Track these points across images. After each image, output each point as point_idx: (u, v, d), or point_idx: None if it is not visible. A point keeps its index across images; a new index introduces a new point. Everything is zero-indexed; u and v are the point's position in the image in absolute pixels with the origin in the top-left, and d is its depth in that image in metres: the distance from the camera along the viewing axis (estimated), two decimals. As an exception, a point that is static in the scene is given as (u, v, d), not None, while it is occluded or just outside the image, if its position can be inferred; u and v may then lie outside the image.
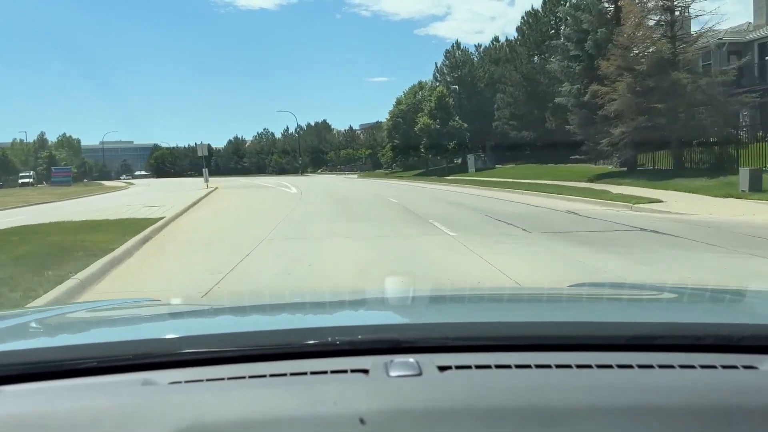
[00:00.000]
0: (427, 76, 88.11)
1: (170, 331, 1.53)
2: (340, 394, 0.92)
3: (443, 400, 0.92)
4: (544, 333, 1.18)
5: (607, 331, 1.19)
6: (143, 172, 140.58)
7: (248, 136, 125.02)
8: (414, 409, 0.90)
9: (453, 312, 1.56)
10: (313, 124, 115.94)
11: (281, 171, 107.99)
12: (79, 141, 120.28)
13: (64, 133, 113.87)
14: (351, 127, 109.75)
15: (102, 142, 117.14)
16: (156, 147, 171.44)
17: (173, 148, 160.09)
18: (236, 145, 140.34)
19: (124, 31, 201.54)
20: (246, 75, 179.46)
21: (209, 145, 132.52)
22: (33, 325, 1.55)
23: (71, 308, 1.77)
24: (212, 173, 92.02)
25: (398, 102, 47.00)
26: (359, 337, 1.16)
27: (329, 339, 1.14)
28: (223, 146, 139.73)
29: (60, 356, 1.15)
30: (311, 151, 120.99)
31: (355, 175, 53.99)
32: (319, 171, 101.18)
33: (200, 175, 55.04)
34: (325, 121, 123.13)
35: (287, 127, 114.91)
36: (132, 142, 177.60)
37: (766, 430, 0.88)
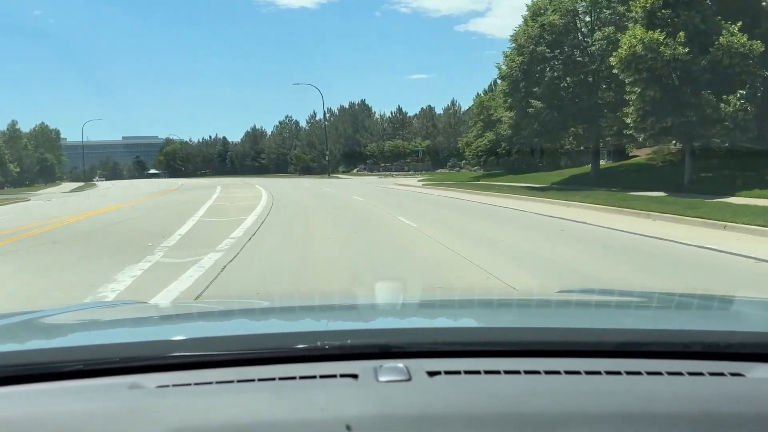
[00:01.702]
0: (468, 73, 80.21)
1: (158, 335, 1.49)
2: (329, 399, 0.94)
3: (432, 406, 0.93)
4: (534, 339, 1.19)
5: (595, 337, 1.21)
6: (154, 171, 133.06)
7: (270, 128, 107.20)
8: (403, 414, 0.91)
9: (443, 317, 1.64)
10: (347, 106, 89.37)
11: (305, 170, 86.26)
12: (58, 133, 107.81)
13: (42, 122, 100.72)
14: (400, 109, 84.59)
15: (84, 139, 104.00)
16: (167, 141, 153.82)
17: (185, 142, 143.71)
18: (254, 137, 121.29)
19: (151, 27, 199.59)
20: (282, 73, 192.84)
21: (224, 139, 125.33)
22: (19, 327, 1.56)
23: (59, 310, 1.84)
24: (227, 172, 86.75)
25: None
26: (348, 341, 1.16)
27: (318, 343, 1.14)
28: (240, 139, 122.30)
29: (46, 359, 1.14)
30: (345, 143, 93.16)
31: (417, 180, 39.04)
32: (355, 170, 77.03)
33: (217, 174, 58.03)
34: (363, 102, 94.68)
35: (314, 113, 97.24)
36: (145, 137, 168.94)
37: None
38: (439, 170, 61.00)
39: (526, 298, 2.22)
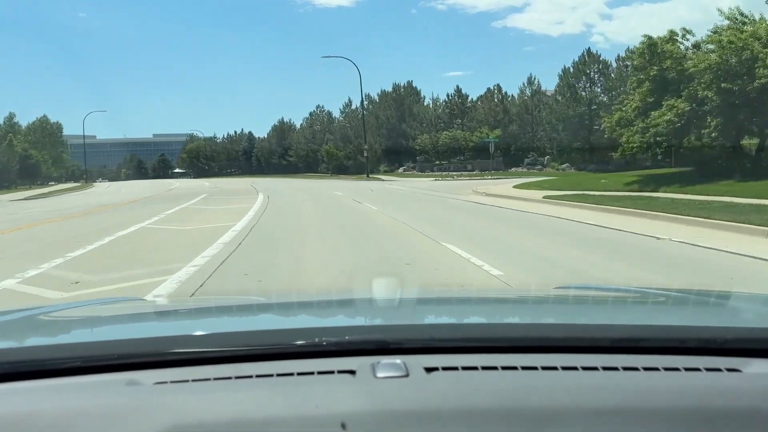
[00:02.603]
0: (506, 70, 78.63)
1: (156, 331, 1.53)
2: (327, 395, 0.97)
3: (430, 402, 0.96)
4: (531, 335, 1.24)
5: (592, 333, 1.25)
6: (179, 170, 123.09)
7: (300, 122, 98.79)
8: (400, 410, 0.94)
9: (440, 313, 1.69)
10: (390, 90, 78.10)
11: (339, 169, 72.42)
12: (59, 126, 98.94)
13: (45, 116, 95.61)
14: (459, 91, 71.05)
15: (86, 135, 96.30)
16: (191, 138, 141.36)
17: (210, 139, 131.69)
18: (281, 132, 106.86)
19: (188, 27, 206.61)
20: (315, 70, 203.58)
21: (249, 135, 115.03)
22: (16, 324, 1.61)
23: (56, 307, 1.92)
24: (252, 171, 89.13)
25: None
26: (346, 337, 1.21)
27: (316, 340, 1.18)
28: (267, 134, 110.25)
29: (43, 355, 1.18)
30: (388, 135, 75.27)
31: (511, 186, 25.53)
32: (400, 169, 65.87)
33: (243, 173, 59.99)
34: (410, 84, 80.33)
35: (348, 101, 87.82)
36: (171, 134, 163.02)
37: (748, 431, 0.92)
38: (513, 168, 51.67)
39: (524, 294, 2.39)
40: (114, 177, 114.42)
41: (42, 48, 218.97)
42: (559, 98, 49.28)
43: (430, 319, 1.58)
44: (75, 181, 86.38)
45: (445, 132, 59.71)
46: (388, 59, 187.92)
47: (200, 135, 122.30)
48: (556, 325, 1.38)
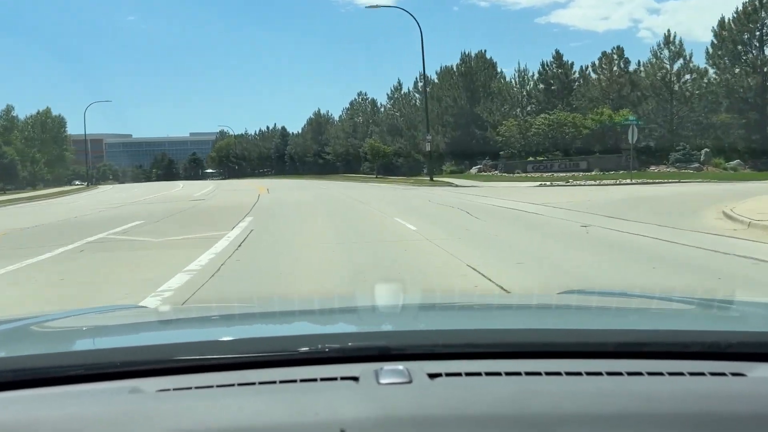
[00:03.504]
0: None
1: (159, 339, 1.58)
2: (330, 401, 1.05)
3: (433, 408, 1.02)
4: (534, 340, 1.32)
5: (596, 338, 1.33)
6: (210, 170, 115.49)
7: (338, 114, 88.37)
8: (404, 416, 1.00)
9: (443, 319, 1.80)
10: (453, 67, 59.26)
11: (386, 169, 58.26)
12: (62, 122, 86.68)
13: (48, 108, 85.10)
14: (559, 55, 50.80)
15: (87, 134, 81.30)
16: (221, 135, 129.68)
17: (241, 136, 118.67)
18: (317, 125, 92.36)
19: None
20: (355, 70, 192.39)
21: (282, 130, 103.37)
22: (19, 332, 1.71)
23: (58, 315, 2.06)
24: (286, 171, 79.31)
25: None
26: (349, 344, 1.28)
27: (319, 346, 1.26)
28: (302, 129, 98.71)
29: (47, 363, 1.25)
30: (455, 123, 58.23)
31: None
32: (473, 169, 49.84)
33: (277, 173, 56.79)
34: (482, 54, 60.67)
35: (398, 83, 73.06)
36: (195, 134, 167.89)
37: None
38: (651, 167, 36.32)
39: (526, 299, 2.47)
40: (147, 178, 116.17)
41: (70, 47, 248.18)
42: (714, 69, 39.05)
43: (433, 325, 1.68)
44: (81, 183, 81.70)
45: (542, 115, 40.10)
46: (428, 59, 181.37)
47: (230, 132, 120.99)
48: (559, 331, 1.47)
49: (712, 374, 1.12)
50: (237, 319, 1.88)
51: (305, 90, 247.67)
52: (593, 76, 46.78)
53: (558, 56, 49.21)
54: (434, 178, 38.98)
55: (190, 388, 1.10)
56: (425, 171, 44.25)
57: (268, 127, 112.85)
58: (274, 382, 1.10)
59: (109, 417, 1.00)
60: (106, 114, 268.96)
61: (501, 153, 45.18)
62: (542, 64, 50.20)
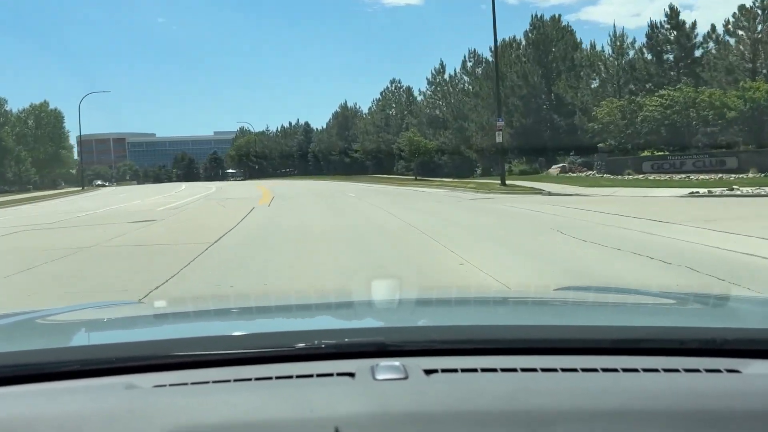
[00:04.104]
0: None
1: (155, 334, 1.59)
2: (326, 397, 1.11)
3: (429, 404, 1.06)
4: (530, 336, 1.37)
5: (592, 334, 1.37)
6: (230, 170, 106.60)
7: (367, 107, 78.00)
8: (400, 412, 1.04)
9: (439, 315, 1.84)
10: (525, 33, 46.73)
11: (427, 169, 45.68)
12: (59, 116, 74.19)
13: (46, 101, 75.98)
14: (674, 12, 36.48)
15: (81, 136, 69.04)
16: (241, 132, 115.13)
17: (262, 133, 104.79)
18: (343, 119, 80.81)
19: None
20: (384, 64, 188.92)
21: (306, 125, 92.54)
22: (15, 327, 1.75)
23: (54, 311, 2.11)
24: (309, 171, 72.86)
25: None
26: (345, 340, 1.33)
27: (315, 342, 1.30)
28: (327, 123, 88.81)
29: (42, 359, 1.27)
30: (525, 109, 42.86)
31: None
32: (554, 169, 34.98)
33: (300, 173, 52.46)
34: (557, 18, 45.54)
35: (441, 64, 54.67)
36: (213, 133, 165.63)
37: None
38: None
39: (523, 295, 2.59)
40: (168, 178, 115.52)
41: (88, 42, 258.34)
42: None
43: (429, 321, 1.71)
44: (103, 182, 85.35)
45: (661, 91, 27.42)
46: (456, 57, 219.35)
47: (250, 129, 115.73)
48: (555, 327, 1.50)
49: (708, 371, 1.14)
50: (233, 314, 1.89)
51: (330, 86, 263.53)
52: (728, 41, 33.94)
53: (673, 13, 36.60)
54: (506, 182, 27.88)
55: (186, 384, 1.11)
56: (479, 171, 33.53)
57: (290, 123, 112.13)
58: (270, 378, 1.12)
59: (104, 413, 1.01)
60: (128, 113, 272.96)
61: (600, 146, 33.11)
62: (650, 26, 37.19)
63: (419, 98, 64.32)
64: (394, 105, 70.95)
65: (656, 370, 1.10)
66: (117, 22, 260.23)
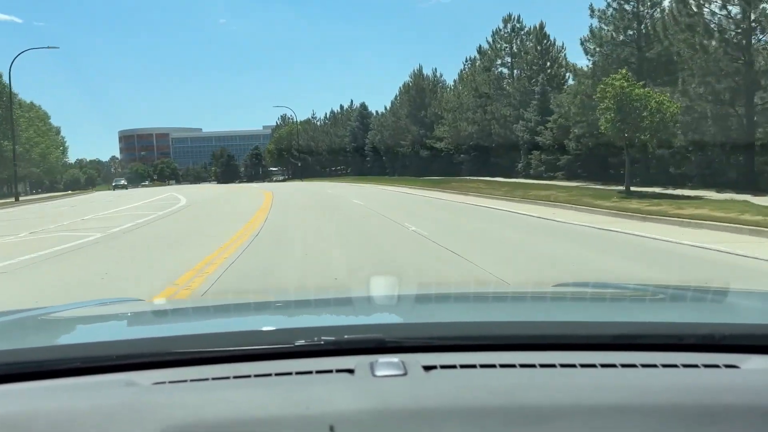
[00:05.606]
0: None
1: (154, 332, 1.59)
2: (325, 394, 1.13)
3: (428, 400, 1.09)
4: (529, 332, 1.40)
5: (590, 330, 1.39)
6: (272, 168, 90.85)
7: (451, 78, 74.16)
8: (399, 408, 1.06)
9: (438, 312, 1.84)
10: None
11: (552, 167, 32.26)
12: (44, 117, 70.69)
13: (32, 102, 70.79)
14: None
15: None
16: (282, 122, 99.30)
17: (307, 121, 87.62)
18: (418, 92, 56.01)
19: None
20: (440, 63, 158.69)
21: (362, 107, 74.95)
22: (15, 325, 1.77)
23: (54, 308, 2.11)
24: (364, 171, 59.79)
25: None
26: (345, 336, 1.35)
27: (314, 339, 1.32)
28: (391, 102, 70.53)
29: (42, 356, 1.31)
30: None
31: None
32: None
33: (355, 171, 46.54)
34: None
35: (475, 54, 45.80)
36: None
37: (747, 427, 1.05)
38: None
39: (522, 292, 2.42)
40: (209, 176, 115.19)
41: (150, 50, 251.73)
42: None
43: (428, 318, 1.70)
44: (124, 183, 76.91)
45: None
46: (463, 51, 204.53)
47: (293, 118, 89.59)
48: (553, 323, 1.50)
49: (706, 366, 1.14)
50: (233, 311, 1.85)
51: (392, 62, 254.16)
52: None
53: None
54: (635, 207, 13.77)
55: (186, 380, 1.12)
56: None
57: (342, 106, 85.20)
58: (270, 375, 1.13)
59: (104, 410, 1.02)
60: (175, 108, 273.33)
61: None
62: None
63: (457, 83, 44.16)
64: (426, 91, 51.79)
65: (655, 366, 1.09)
66: (179, 23, 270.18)
